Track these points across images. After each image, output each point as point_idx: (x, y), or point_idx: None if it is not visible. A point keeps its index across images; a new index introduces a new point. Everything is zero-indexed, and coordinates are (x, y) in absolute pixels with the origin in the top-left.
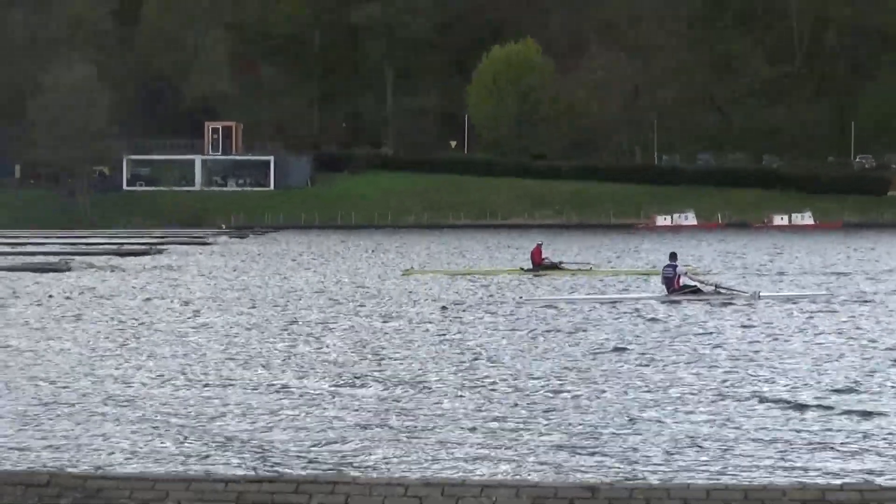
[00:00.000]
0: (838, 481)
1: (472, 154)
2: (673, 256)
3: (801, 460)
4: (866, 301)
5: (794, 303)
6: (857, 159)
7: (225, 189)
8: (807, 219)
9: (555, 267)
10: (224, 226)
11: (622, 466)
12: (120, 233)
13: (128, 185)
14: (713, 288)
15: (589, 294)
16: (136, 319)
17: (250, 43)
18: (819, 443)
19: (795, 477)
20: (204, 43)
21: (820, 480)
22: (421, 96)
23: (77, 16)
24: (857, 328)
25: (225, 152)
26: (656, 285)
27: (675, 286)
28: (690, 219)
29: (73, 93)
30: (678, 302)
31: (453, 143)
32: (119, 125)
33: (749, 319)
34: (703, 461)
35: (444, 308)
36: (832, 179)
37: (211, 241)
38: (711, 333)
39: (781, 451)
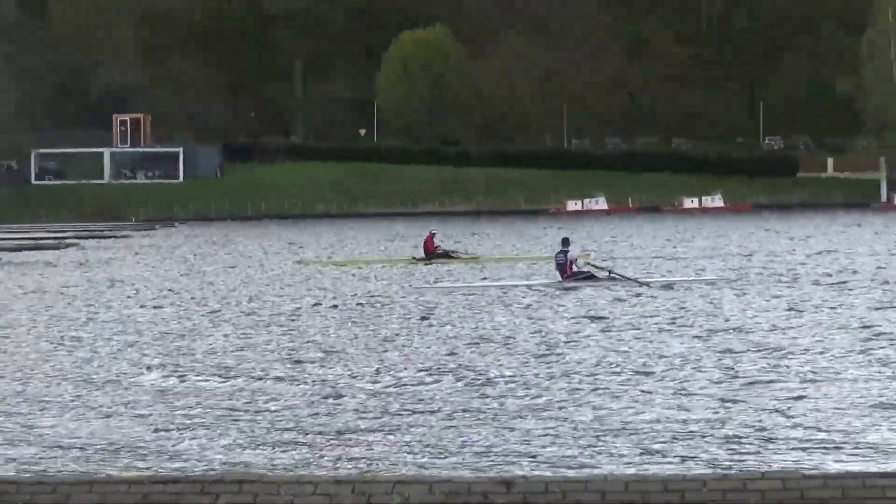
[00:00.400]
0: (760, 469)
1: (383, 141)
2: (565, 242)
3: (719, 450)
4: (756, 283)
5: (688, 288)
6: (766, 141)
7: (134, 181)
8: (717, 201)
9: (446, 255)
10: (134, 219)
11: (536, 460)
12: (25, 227)
13: (36, 179)
14: (607, 274)
15: (480, 281)
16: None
17: (159, 33)
18: (733, 434)
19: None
20: (112, 34)
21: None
22: (331, 84)
23: None
24: (754, 310)
25: (133, 144)
26: (550, 271)
27: (567, 272)
28: (601, 203)
29: None
30: (571, 288)
31: (363, 132)
32: (27, 118)
33: (643, 305)
34: (620, 453)
35: (359, 304)
36: (742, 161)
37: (116, 235)
38: (607, 319)
39: (698, 441)
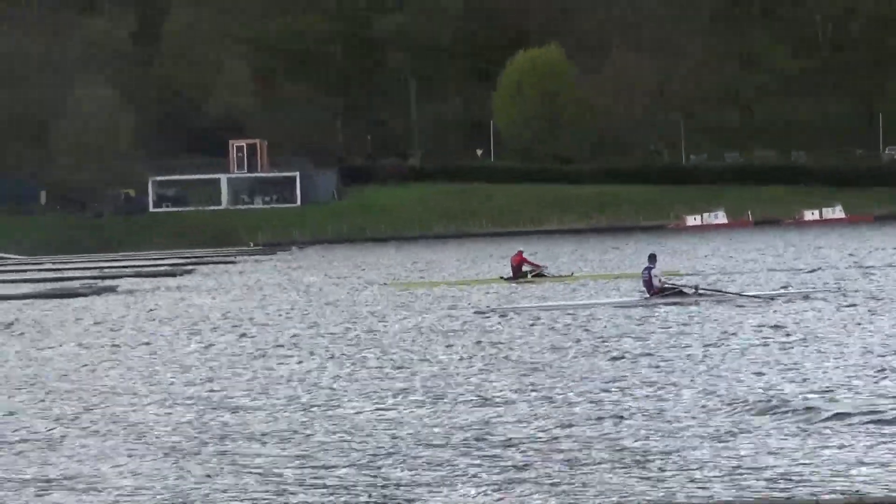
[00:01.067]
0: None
1: (497, 161)
2: (652, 258)
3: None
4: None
5: (788, 300)
6: (886, 151)
7: (252, 207)
8: (837, 213)
9: (537, 274)
10: (252, 244)
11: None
12: (148, 254)
13: (154, 207)
14: (694, 289)
15: (563, 301)
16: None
17: (272, 58)
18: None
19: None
20: (225, 60)
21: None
22: (445, 105)
23: (97, 37)
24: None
25: (250, 170)
26: (639, 288)
27: (654, 289)
28: (720, 217)
29: (95, 115)
30: (657, 305)
31: (479, 152)
32: (143, 146)
33: (729, 320)
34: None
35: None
36: (861, 172)
37: (238, 259)
38: (696, 337)
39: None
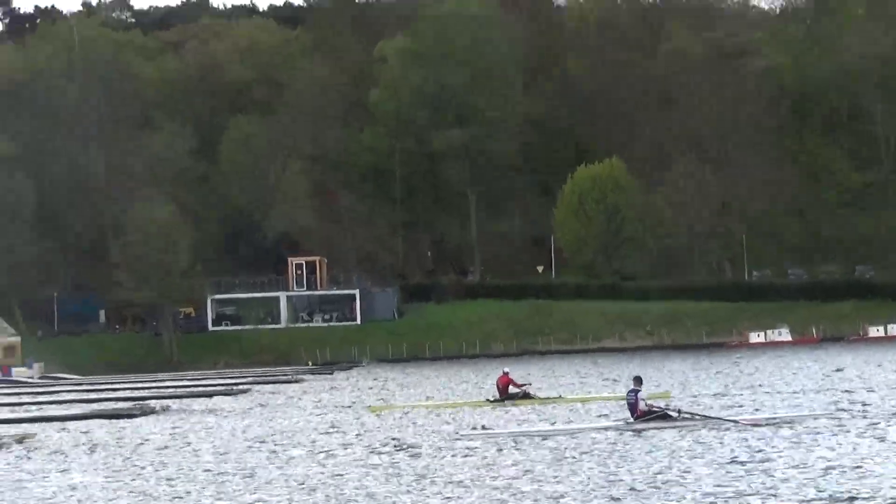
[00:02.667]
0: None
1: (559, 278)
2: (637, 381)
3: None
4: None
5: (780, 426)
6: None
7: (311, 325)
8: None
9: (526, 396)
10: (310, 362)
11: None
12: (206, 373)
13: (213, 325)
14: (677, 413)
15: (542, 427)
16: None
17: (330, 173)
18: None
19: None
20: (283, 176)
21: None
22: (506, 220)
23: (156, 154)
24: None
25: (310, 287)
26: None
27: (637, 412)
28: (785, 334)
29: (156, 232)
30: (642, 430)
31: (540, 268)
32: (202, 263)
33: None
34: None
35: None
36: None
37: (296, 378)
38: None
39: None
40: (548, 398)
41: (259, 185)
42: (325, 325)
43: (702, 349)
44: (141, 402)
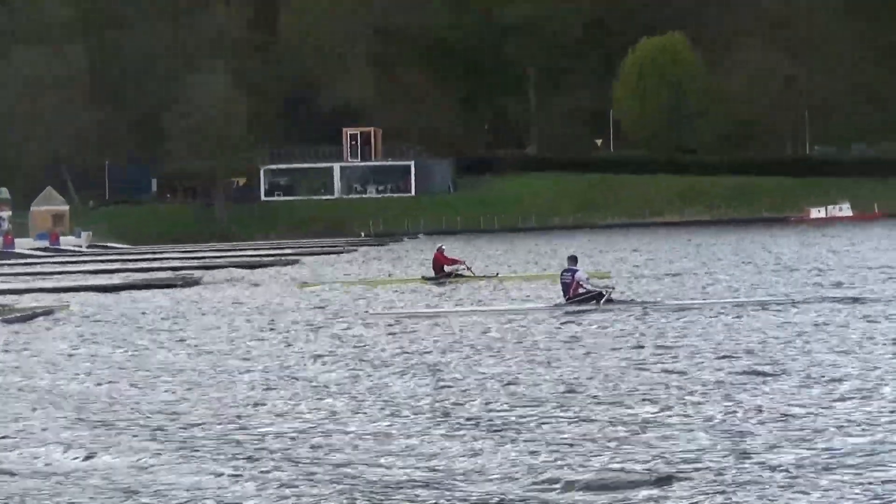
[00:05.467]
0: None
1: (620, 151)
2: (573, 260)
3: None
4: None
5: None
6: None
7: (365, 196)
8: None
9: (458, 274)
10: (363, 234)
11: None
12: (258, 244)
13: (266, 196)
14: (608, 292)
15: (472, 306)
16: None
17: (391, 46)
18: None
19: None
20: (344, 48)
21: None
22: (566, 94)
23: (215, 25)
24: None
25: (364, 158)
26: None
27: (570, 293)
28: (845, 210)
29: (210, 103)
30: (573, 311)
31: (599, 142)
32: (256, 134)
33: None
34: None
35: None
36: None
37: (346, 250)
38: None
39: None
40: (484, 276)
41: (318, 57)
42: (379, 196)
43: (762, 224)
44: (183, 273)
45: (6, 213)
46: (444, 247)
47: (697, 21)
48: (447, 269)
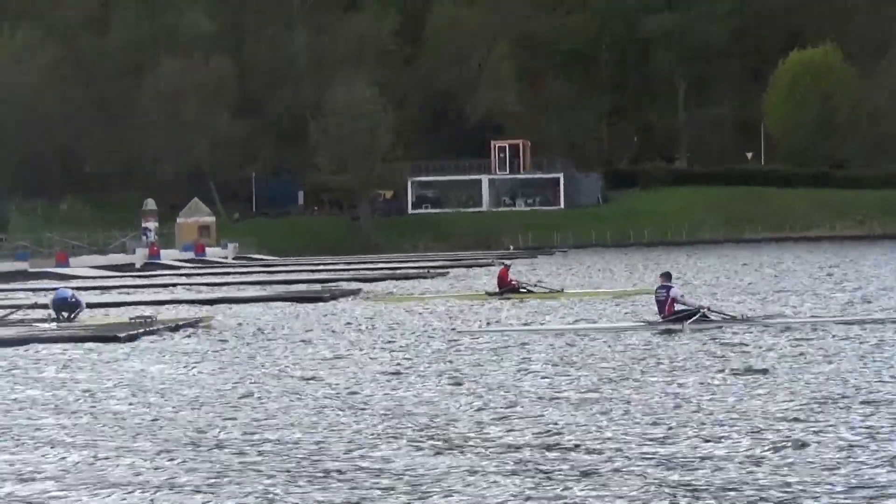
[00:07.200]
0: None
1: (768, 164)
2: (666, 276)
3: None
4: None
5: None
6: None
7: (513, 209)
8: None
9: (526, 291)
10: (512, 247)
11: None
12: (407, 256)
13: (413, 208)
14: (704, 311)
15: (563, 324)
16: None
17: (537, 57)
18: None
19: None
20: (490, 59)
21: None
22: (715, 106)
23: (360, 36)
24: None
25: (512, 171)
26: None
27: (666, 311)
28: None
29: (356, 114)
30: (673, 331)
31: (749, 155)
32: (403, 146)
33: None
34: None
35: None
36: None
37: (495, 263)
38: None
39: None
40: (550, 292)
41: (464, 68)
42: (528, 209)
43: None
44: (331, 286)
45: (153, 224)
46: (509, 264)
47: (845, 29)
48: (514, 283)
